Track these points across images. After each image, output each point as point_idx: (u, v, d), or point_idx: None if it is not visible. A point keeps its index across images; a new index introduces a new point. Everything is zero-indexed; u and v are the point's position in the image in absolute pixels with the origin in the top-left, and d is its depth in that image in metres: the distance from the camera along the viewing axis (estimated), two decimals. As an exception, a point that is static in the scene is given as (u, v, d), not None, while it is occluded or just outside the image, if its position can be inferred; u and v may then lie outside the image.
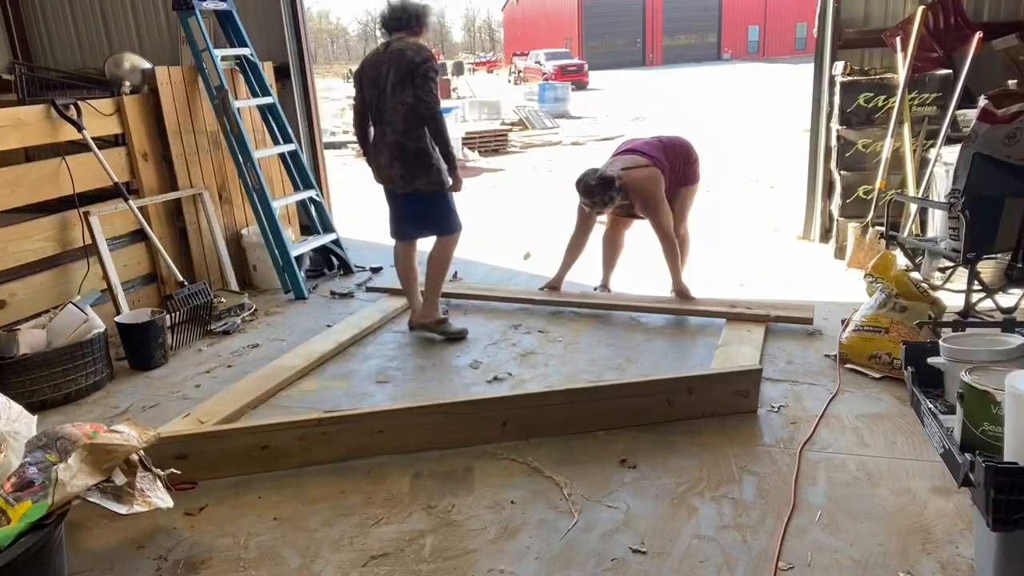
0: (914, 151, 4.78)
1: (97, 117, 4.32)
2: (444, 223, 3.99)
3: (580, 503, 2.54)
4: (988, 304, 3.80)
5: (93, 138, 4.21)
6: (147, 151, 4.60)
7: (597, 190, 4.05)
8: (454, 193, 3.97)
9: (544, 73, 30.08)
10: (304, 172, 5.31)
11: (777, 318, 3.79)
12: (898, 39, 4.76)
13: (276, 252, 4.86)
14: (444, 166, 3.83)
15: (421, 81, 3.64)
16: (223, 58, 4.83)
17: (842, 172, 5.06)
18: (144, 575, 2.31)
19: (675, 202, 4.30)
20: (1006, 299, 3.93)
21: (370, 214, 7.62)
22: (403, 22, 3.77)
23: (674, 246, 4.23)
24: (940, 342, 2.35)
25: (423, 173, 3.78)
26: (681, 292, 4.28)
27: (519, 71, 35.74)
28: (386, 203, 4.11)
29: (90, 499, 2.14)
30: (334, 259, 5.41)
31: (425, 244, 4.15)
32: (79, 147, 4.23)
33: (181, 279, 4.45)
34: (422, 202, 3.91)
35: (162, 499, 2.31)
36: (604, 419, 2.99)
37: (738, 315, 3.89)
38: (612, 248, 4.62)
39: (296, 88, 5.79)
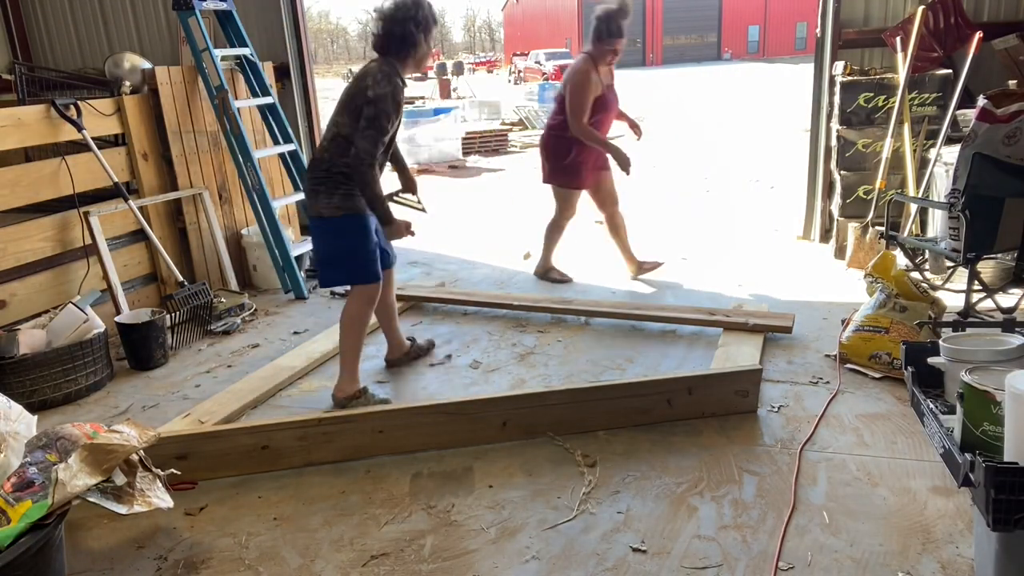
0: (914, 151, 4.78)
1: (97, 117, 4.32)
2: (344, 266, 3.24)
3: (581, 502, 2.54)
4: (988, 304, 3.80)
5: (93, 138, 4.21)
6: (147, 151, 4.61)
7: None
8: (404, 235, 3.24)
9: (544, 73, 30.08)
10: (304, 172, 5.30)
11: (755, 327, 3.71)
12: (898, 39, 4.76)
13: (276, 252, 4.86)
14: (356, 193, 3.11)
15: (356, 116, 3.03)
16: (223, 58, 4.83)
17: (842, 172, 5.06)
18: (144, 575, 2.31)
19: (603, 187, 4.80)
20: (1006, 299, 3.93)
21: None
22: (377, 46, 3.14)
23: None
24: (940, 342, 2.35)
25: (324, 196, 3.12)
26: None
27: (519, 71, 35.74)
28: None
29: (90, 499, 2.14)
30: (334, 259, 5.40)
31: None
32: (79, 147, 4.23)
33: (181, 279, 4.45)
34: (320, 232, 3.22)
35: (162, 499, 2.31)
36: (604, 419, 2.99)
37: (717, 322, 3.82)
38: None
39: (296, 88, 5.79)
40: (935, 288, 3.92)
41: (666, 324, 4.03)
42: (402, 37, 3.08)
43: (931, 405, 2.18)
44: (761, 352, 3.54)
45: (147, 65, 4.88)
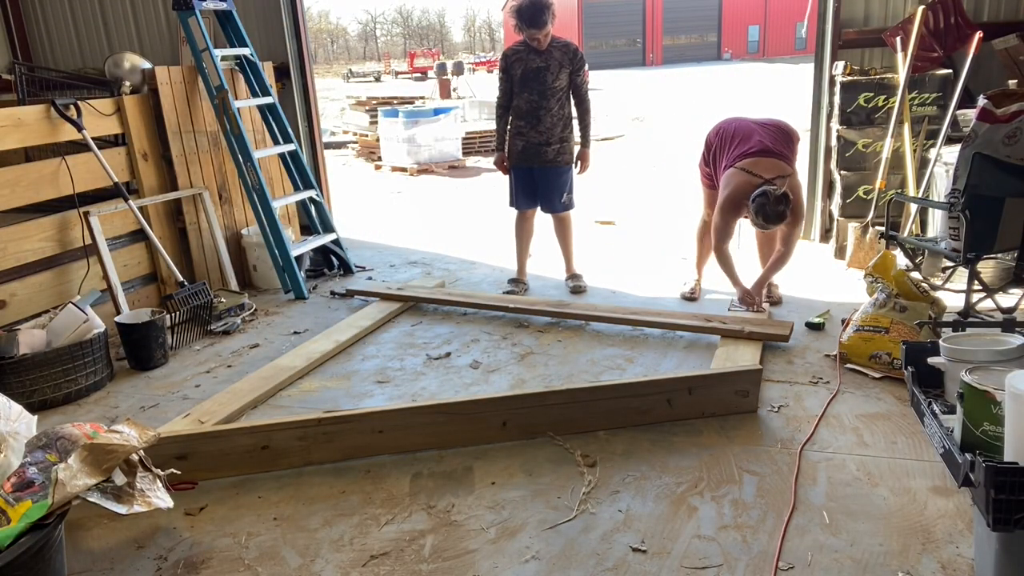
0: (914, 151, 4.78)
1: (97, 117, 4.32)
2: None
3: (581, 502, 2.54)
4: (988, 304, 3.80)
5: (93, 138, 4.21)
6: (147, 151, 4.61)
7: (782, 210, 3.78)
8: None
9: (544, 73, 29.94)
10: (304, 172, 5.31)
11: (751, 334, 3.66)
12: (898, 39, 4.77)
13: (276, 252, 4.86)
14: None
15: None
16: (223, 58, 4.83)
17: (842, 172, 5.06)
18: (144, 575, 2.31)
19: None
20: (1006, 299, 3.93)
21: (370, 214, 7.64)
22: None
23: (791, 255, 4.14)
24: (940, 342, 2.35)
25: None
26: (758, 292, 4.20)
27: (519, 71, 35.60)
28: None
29: (90, 499, 2.14)
30: (334, 259, 5.41)
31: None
32: (79, 147, 4.23)
33: (181, 279, 4.45)
34: None
35: (162, 499, 2.31)
36: (604, 419, 2.99)
37: (714, 329, 3.79)
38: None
39: (296, 88, 5.79)
40: (935, 288, 3.92)
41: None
42: None
43: (931, 405, 2.18)
44: (761, 352, 3.54)
45: (147, 65, 4.88)
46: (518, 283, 4.88)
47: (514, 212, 4.89)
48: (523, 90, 4.50)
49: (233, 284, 4.94)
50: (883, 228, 4.27)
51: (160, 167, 4.70)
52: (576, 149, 4.72)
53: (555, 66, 4.44)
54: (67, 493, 2.04)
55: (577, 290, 4.75)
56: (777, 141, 4.06)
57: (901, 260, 4.08)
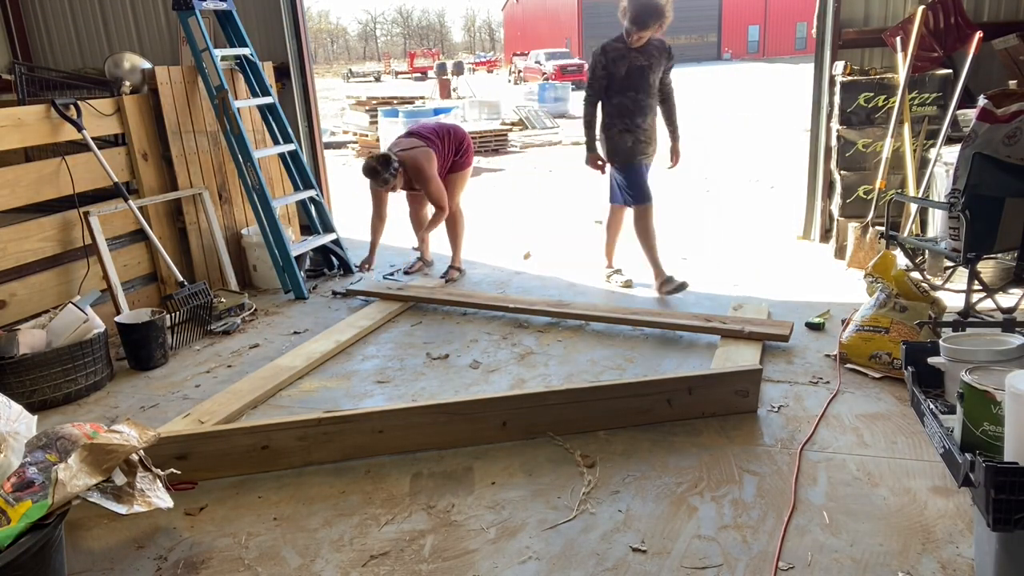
0: (914, 151, 4.78)
1: (97, 117, 4.32)
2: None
3: (581, 502, 2.54)
4: (988, 304, 3.80)
5: (93, 138, 4.21)
6: (147, 151, 4.61)
7: (380, 169, 4.72)
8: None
9: (544, 73, 30.06)
10: (304, 172, 5.31)
11: (751, 334, 3.67)
12: (898, 39, 4.77)
13: (276, 252, 4.87)
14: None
15: None
16: (223, 58, 4.83)
17: (842, 172, 5.06)
18: (144, 575, 2.31)
19: (447, 185, 4.99)
20: (1006, 299, 3.94)
21: (370, 214, 7.62)
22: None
23: (444, 213, 4.95)
24: (940, 342, 2.35)
25: None
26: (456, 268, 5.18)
27: (519, 71, 35.73)
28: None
29: (90, 499, 2.14)
30: (334, 259, 5.41)
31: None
32: (79, 147, 4.23)
33: (181, 279, 4.45)
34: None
35: (162, 499, 2.31)
36: (604, 419, 2.99)
37: (714, 329, 3.79)
38: (418, 223, 5.35)
39: (296, 88, 5.79)
40: (935, 288, 3.92)
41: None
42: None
43: (931, 405, 2.18)
44: (761, 352, 3.54)
45: (147, 65, 4.88)
46: (616, 271, 5.04)
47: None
48: (627, 88, 4.53)
49: (233, 284, 4.94)
50: (883, 228, 4.27)
51: (160, 167, 4.70)
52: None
53: (656, 64, 4.53)
54: (67, 493, 2.04)
55: (670, 289, 4.61)
56: (425, 129, 5.03)
57: (901, 260, 4.08)
